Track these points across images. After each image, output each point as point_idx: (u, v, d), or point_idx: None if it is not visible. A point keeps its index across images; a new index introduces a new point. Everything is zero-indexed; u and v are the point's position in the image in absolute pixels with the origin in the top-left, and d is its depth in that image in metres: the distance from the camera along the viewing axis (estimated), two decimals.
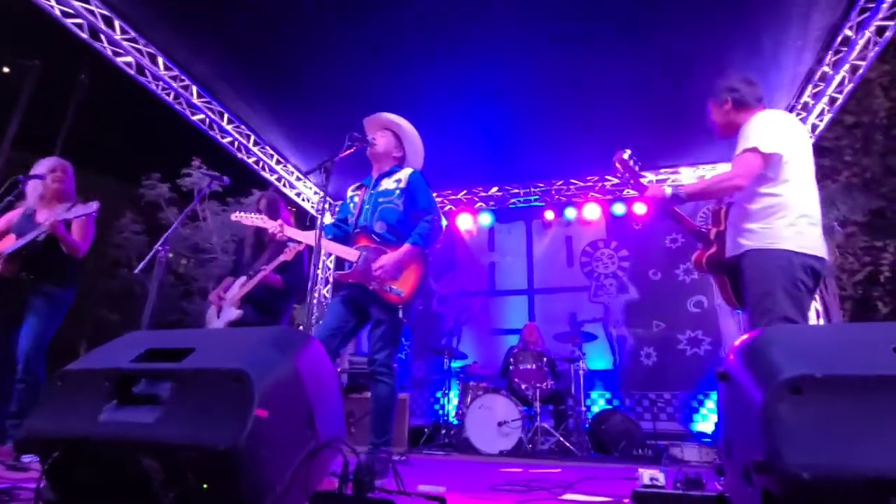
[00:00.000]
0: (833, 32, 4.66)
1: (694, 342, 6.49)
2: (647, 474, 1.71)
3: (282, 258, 3.20)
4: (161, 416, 1.15)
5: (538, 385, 4.97)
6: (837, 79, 5.05)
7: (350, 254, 2.57)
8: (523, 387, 5.04)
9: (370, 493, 1.27)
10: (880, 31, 4.46)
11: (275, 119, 6.18)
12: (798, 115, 5.69)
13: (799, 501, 0.81)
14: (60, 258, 3.09)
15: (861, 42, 4.60)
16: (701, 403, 6.20)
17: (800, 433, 0.82)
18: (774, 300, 2.01)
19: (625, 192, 7.16)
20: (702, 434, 5.90)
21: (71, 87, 6.12)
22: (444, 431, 5.36)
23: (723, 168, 6.57)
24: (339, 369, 5.06)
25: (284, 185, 7.37)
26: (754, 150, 2.12)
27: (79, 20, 4.60)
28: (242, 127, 6.32)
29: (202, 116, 5.91)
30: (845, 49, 4.73)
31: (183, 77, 5.45)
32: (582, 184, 7.30)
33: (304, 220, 7.67)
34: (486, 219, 7.70)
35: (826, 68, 5.02)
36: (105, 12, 4.66)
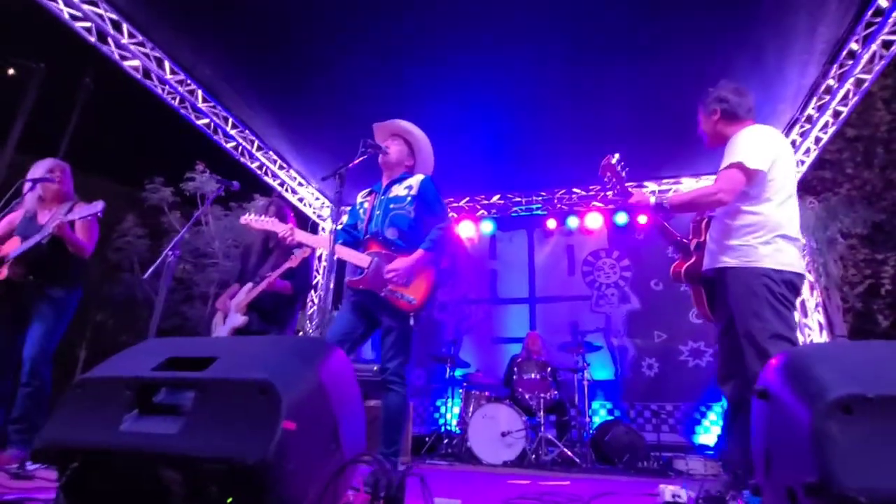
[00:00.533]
0: (839, 46, 4.68)
1: (696, 353, 6.47)
2: (668, 491, 1.68)
3: (288, 265, 3.17)
4: (184, 427, 1.12)
5: (542, 395, 4.94)
6: (842, 92, 5.07)
7: (361, 259, 2.55)
8: (527, 396, 5.00)
9: None
10: (886, 45, 4.49)
11: (278, 123, 6.17)
12: (802, 127, 5.73)
13: None
14: (65, 260, 3.06)
15: (866, 56, 4.62)
16: (703, 415, 6.17)
17: (853, 455, 0.80)
18: (764, 319, 2.03)
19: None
20: (704, 447, 5.87)
21: (74, 91, 6.09)
22: (446, 441, 5.31)
23: None
24: None
25: (287, 191, 7.35)
26: (740, 165, 2.12)
27: (87, 23, 4.58)
28: (246, 132, 6.31)
29: (207, 121, 5.89)
30: (851, 62, 4.75)
31: (189, 81, 5.44)
32: (584, 193, 7.30)
33: (306, 225, 7.64)
34: (487, 227, 7.69)
35: (831, 81, 5.05)
36: (113, 15, 4.65)
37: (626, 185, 2.47)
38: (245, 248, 3.67)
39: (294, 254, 3.23)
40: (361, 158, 2.49)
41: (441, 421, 6.36)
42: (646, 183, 7.02)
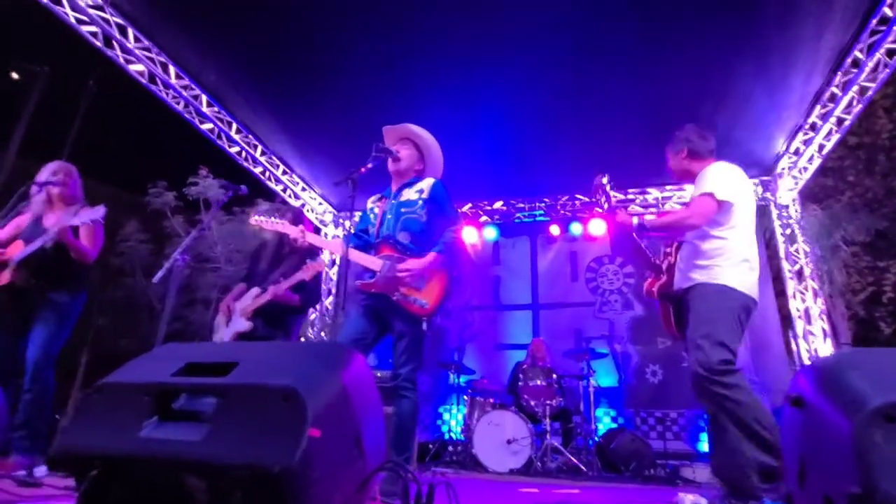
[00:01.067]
0: (843, 54, 4.71)
1: None
2: (688, 500, 1.66)
3: (300, 276, 3.12)
4: (207, 434, 1.10)
5: (547, 402, 4.91)
6: (846, 100, 5.10)
7: (373, 263, 2.52)
8: (532, 403, 4.98)
9: None
10: (890, 53, 4.51)
11: (282, 128, 6.17)
12: (806, 134, 5.74)
13: None
14: (69, 264, 3.02)
15: (871, 64, 4.64)
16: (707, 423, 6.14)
17: None
18: (714, 326, 2.23)
19: (630, 209, 7.16)
20: (709, 454, 5.83)
21: (78, 94, 6.09)
22: (450, 448, 5.27)
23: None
24: None
25: (290, 196, 7.34)
26: (711, 195, 2.36)
27: (93, 28, 4.59)
28: (250, 136, 6.31)
29: (211, 126, 5.90)
30: (855, 70, 4.77)
31: (193, 86, 5.44)
32: (587, 199, 7.30)
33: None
34: (490, 233, 7.68)
35: (835, 89, 5.07)
36: (119, 20, 4.66)
37: (614, 204, 2.67)
38: (255, 250, 3.60)
39: (307, 264, 3.17)
40: (373, 163, 2.48)
41: (445, 428, 6.33)
42: (648, 189, 7.04)
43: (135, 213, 8.38)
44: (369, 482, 1.19)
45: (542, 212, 7.54)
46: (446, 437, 5.66)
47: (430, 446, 5.45)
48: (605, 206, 2.65)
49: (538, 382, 5.10)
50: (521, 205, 7.57)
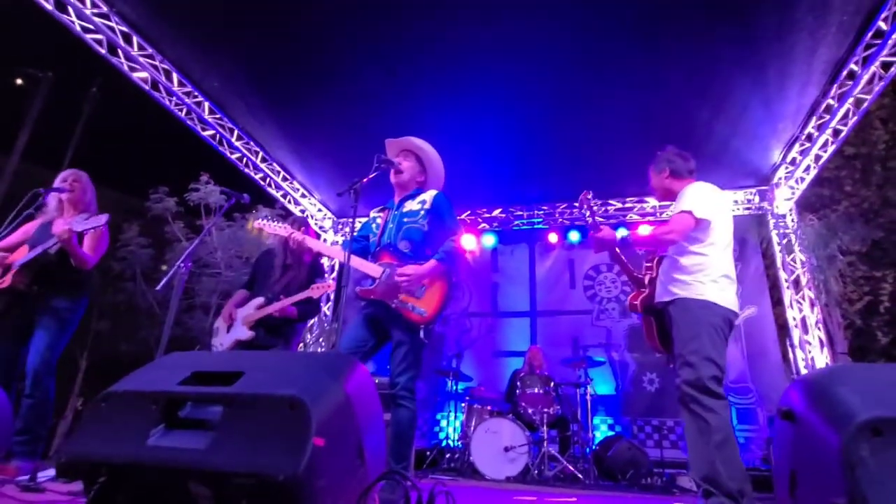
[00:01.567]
0: (839, 66, 4.77)
1: None
2: None
3: (308, 294, 3.15)
4: (213, 442, 1.12)
5: (545, 410, 4.92)
6: (842, 111, 5.15)
7: (373, 270, 2.55)
8: (530, 411, 4.99)
9: None
10: (886, 66, 4.57)
11: (283, 135, 6.21)
12: (802, 145, 5.80)
13: None
14: (72, 270, 3.04)
15: (866, 76, 4.70)
16: None
17: (883, 477, 0.82)
18: (701, 342, 2.30)
19: (628, 218, 7.21)
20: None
21: (81, 100, 6.12)
22: (447, 455, 5.27)
23: (725, 194, 6.68)
24: None
25: (289, 202, 7.38)
26: (690, 213, 2.47)
27: (98, 36, 4.63)
28: (251, 143, 6.35)
29: (212, 132, 5.94)
30: (850, 83, 4.83)
31: (196, 93, 5.48)
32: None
33: None
34: (489, 240, 7.72)
35: (831, 101, 5.13)
36: (124, 28, 4.71)
37: (598, 219, 2.77)
38: (260, 257, 3.61)
39: (317, 284, 3.20)
40: (375, 173, 2.51)
41: (442, 435, 6.33)
42: (647, 199, 7.08)
43: (136, 218, 8.42)
44: (371, 491, 1.21)
45: (540, 219, 7.58)
46: (444, 444, 5.67)
47: (428, 453, 5.46)
48: (590, 220, 2.76)
49: (536, 390, 5.11)
50: (520, 212, 7.62)
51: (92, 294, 3.30)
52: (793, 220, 6.47)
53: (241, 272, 7.49)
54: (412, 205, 2.69)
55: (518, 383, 5.29)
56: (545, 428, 4.83)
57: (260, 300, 3.24)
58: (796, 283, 6.29)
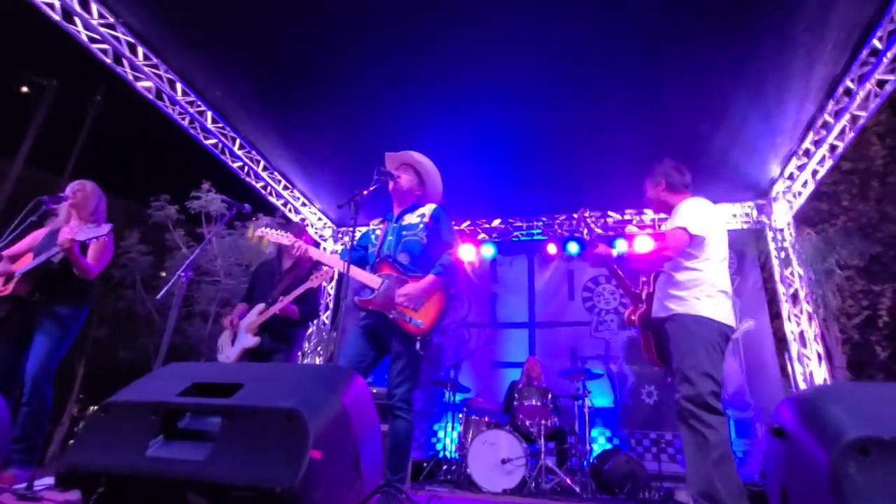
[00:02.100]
0: (835, 83, 4.82)
1: None
2: None
3: (308, 286, 3.20)
4: (211, 454, 1.14)
5: (543, 422, 4.91)
6: (838, 128, 5.19)
7: (372, 280, 2.58)
8: (528, 423, 4.98)
9: None
10: (881, 83, 4.62)
11: (284, 144, 6.25)
12: (799, 160, 5.84)
13: None
14: (74, 278, 3.05)
15: (862, 94, 4.75)
16: None
17: (870, 496, 0.83)
18: (698, 358, 2.33)
19: (627, 230, 7.23)
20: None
21: (85, 108, 6.18)
22: (444, 467, 5.25)
23: (723, 207, 6.72)
24: None
25: (290, 211, 7.41)
26: (684, 229, 2.50)
27: (104, 46, 4.68)
28: (253, 152, 6.39)
29: (215, 141, 5.98)
30: (847, 99, 4.88)
31: (199, 102, 5.53)
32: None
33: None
34: (488, 251, 7.73)
35: (827, 117, 5.17)
36: (130, 38, 4.76)
37: (596, 232, 2.87)
38: (257, 268, 3.69)
39: (314, 275, 3.26)
40: (375, 185, 2.55)
41: (439, 446, 6.30)
42: (646, 211, 7.11)
43: (136, 225, 8.45)
44: (367, 503, 1.22)
45: (539, 230, 7.60)
46: (441, 455, 5.65)
47: (425, 465, 5.44)
48: (587, 237, 2.81)
49: (533, 402, 5.11)
50: (519, 223, 7.64)
51: (93, 302, 3.31)
52: (791, 234, 6.49)
53: (240, 280, 7.51)
54: (411, 218, 2.72)
55: (516, 395, 5.28)
56: (542, 440, 4.81)
57: (261, 306, 3.29)
58: (794, 297, 6.30)
